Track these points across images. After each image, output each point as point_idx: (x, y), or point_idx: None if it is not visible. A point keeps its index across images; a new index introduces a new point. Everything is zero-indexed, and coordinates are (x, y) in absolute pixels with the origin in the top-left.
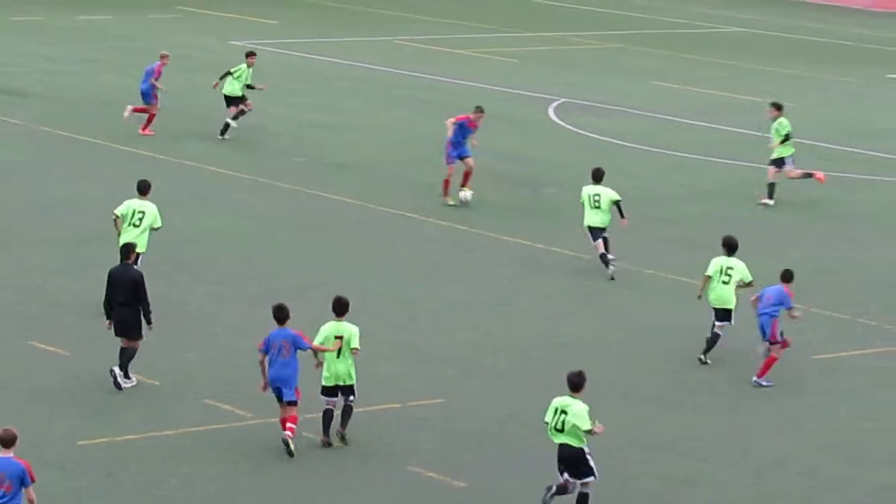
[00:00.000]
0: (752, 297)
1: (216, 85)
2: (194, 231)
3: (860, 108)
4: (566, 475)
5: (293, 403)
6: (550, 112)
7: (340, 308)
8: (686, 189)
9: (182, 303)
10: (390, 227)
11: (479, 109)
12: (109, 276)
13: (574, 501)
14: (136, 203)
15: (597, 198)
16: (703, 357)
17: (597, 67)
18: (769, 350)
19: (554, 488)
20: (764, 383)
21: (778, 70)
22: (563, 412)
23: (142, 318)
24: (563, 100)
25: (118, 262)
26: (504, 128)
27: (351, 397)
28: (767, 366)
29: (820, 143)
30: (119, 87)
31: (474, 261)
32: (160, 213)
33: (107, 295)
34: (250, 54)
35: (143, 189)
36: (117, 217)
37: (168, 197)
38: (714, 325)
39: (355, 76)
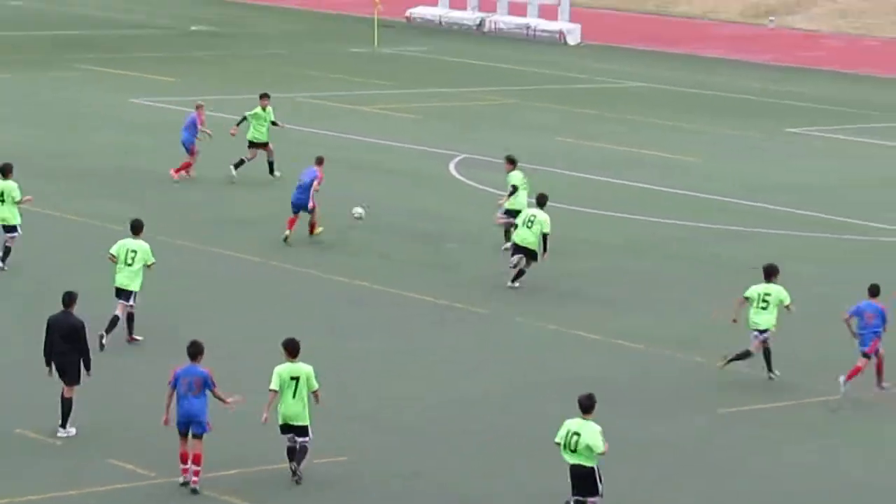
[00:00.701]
0: (846, 316)
1: (233, 132)
2: (102, 292)
3: (759, 162)
4: (575, 497)
5: (200, 436)
6: (451, 168)
7: (294, 349)
8: (586, 244)
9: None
10: (294, 284)
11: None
12: (49, 324)
13: None
14: (129, 242)
15: (532, 219)
16: (771, 374)
17: (496, 123)
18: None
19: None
20: (845, 387)
21: (677, 125)
22: (577, 434)
23: (81, 364)
24: (463, 155)
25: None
26: (406, 183)
27: (306, 438)
28: (854, 373)
29: (719, 198)
30: (21, 142)
31: (377, 317)
32: (152, 251)
33: (46, 342)
34: (263, 96)
35: (136, 228)
36: (112, 256)
37: (74, 257)
38: (761, 341)
39: None
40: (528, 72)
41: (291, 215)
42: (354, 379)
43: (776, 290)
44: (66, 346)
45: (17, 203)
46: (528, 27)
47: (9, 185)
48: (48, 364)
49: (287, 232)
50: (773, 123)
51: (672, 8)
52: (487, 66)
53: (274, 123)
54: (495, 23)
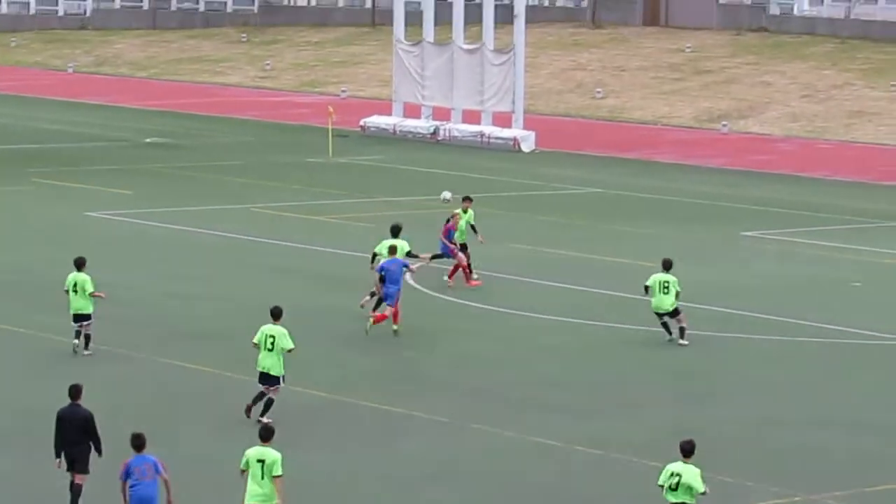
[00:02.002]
0: None
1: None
2: (53, 406)
3: (715, 266)
4: None
5: None
6: (407, 276)
7: (267, 434)
8: (545, 351)
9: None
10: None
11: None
12: (58, 417)
13: None
14: (267, 328)
15: (666, 284)
16: None
17: None
18: None
19: None
20: None
21: (632, 230)
22: (678, 475)
23: (91, 452)
24: (419, 263)
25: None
26: (361, 292)
27: None
28: None
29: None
30: None
31: (332, 428)
32: (290, 336)
33: (57, 435)
34: (466, 199)
35: (276, 315)
36: (255, 344)
37: (22, 370)
38: None
39: (212, 244)
40: (482, 179)
41: (385, 310)
42: (310, 490)
43: None
44: (78, 437)
45: (91, 295)
46: (482, 135)
47: (82, 277)
48: (58, 456)
49: (369, 324)
50: (728, 227)
51: (625, 114)
52: (442, 173)
53: (472, 227)
54: (449, 131)
